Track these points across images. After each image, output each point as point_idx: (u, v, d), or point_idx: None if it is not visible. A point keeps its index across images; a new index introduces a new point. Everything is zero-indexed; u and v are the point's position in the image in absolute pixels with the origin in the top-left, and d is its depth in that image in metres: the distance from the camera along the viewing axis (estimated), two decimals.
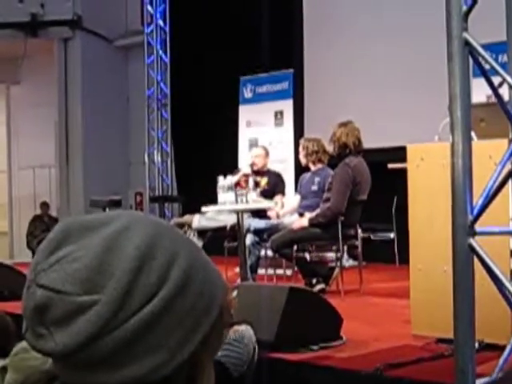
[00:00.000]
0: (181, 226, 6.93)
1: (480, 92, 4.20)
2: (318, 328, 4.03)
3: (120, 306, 0.79)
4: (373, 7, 8.87)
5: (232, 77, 9.60)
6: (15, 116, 14.26)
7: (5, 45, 12.23)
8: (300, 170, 7.44)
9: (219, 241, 7.15)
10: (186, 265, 0.84)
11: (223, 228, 7.09)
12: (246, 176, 7.01)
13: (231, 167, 7.68)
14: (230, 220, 6.87)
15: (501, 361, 2.67)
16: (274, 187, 7.29)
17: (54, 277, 0.80)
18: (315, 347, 3.92)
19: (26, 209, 13.65)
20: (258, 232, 6.72)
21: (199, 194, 7.79)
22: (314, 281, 6.12)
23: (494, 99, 3.15)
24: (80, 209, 12.20)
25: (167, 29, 11.80)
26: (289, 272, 6.79)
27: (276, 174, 7.52)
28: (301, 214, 6.49)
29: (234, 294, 3.65)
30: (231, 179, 6.86)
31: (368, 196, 6.03)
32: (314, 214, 6.11)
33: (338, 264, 6.09)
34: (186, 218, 7.36)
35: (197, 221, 7.12)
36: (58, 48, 12.75)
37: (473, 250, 2.46)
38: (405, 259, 4.56)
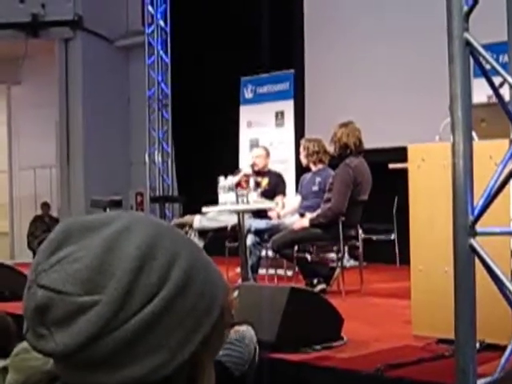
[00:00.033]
0: (181, 226, 6.93)
1: (481, 92, 4.20)
2: (319, 328, 4.03)
3: (121, 306, 0.79)
4: (374, 8, 8.87)
5: (233, 77, 9.60)
6: (16, 116, 14.24)
7: (6, 45, 12.23)
8: (301, 170, 7.43)
9: (220, 241, 7.15)
10: (187, 265, 0.84)
11: (224, 228, 7.08)
12: (247, 176, 7.01)
13: (232, 167, 7.67)
14: (230, 220, 6.87)
15: (502, 361, 2.68)
16: (275, 188, 7.28)
17: (55, 277, 0.80)
18: (316, 347, 3.92)
19: (26, 209, 13.64)
20: (258, 232, 6.71)
21: (200, 194, 7.79)
22: (315, 281, 6.12)
23: (494, 99, 3.16)
24: (81, 209, 12.20)
25: (168, 29, 11.79)
26: (290, 272, 6.78)
27: (277, 174, 7.51)
28: (302, 215, 6.49)
29: (235, 294, 3.64)
30: (232, 179, 6.86)
31: (369, 196, 6.03)
32: (314, 214, 6.11)
33: (339, 264, 6.09)
34: (187, 218, 7.36)
35: (198, 221, 7.11)
36: (59, 48, 12.75)
37: (474, 250, 2.46)
38: (405, 260, 4.56)
